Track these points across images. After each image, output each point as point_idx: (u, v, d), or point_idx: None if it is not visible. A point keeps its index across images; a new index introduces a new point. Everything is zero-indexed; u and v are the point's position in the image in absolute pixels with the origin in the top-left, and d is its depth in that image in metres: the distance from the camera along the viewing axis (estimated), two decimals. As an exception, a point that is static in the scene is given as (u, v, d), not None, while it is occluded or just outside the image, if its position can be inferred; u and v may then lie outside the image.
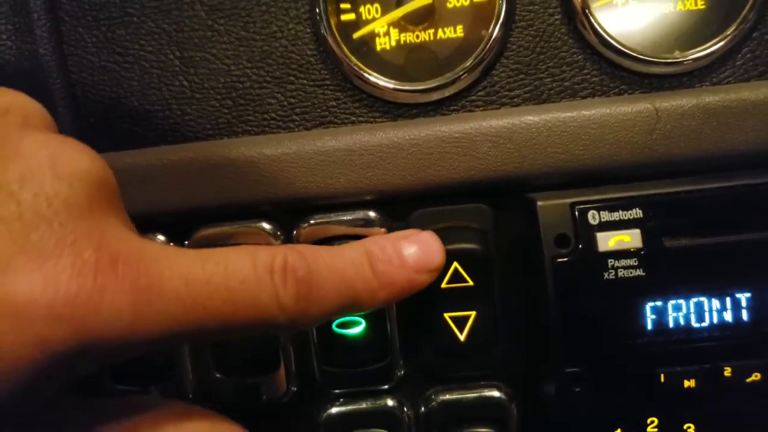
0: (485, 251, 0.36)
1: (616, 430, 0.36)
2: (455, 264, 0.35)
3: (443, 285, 0.35)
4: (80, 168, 0.25)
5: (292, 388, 0.39)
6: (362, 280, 0.30)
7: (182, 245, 0.38)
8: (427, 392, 0.39)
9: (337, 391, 0.39)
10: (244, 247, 0.28)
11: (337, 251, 0.30)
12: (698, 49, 0.36)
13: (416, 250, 0.32)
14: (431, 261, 0.33)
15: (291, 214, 0.37)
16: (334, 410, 0.38)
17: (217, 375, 0.38)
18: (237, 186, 0.36)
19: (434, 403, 0.38)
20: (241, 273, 0.26)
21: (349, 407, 0.38)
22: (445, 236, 0.34)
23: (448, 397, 0.38)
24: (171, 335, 0.25)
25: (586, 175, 0.35)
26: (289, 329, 0.29)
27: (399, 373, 0.38)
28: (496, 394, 0.38)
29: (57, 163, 0.24)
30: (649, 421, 0.36)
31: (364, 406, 0.38)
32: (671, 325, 0.33)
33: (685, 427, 0.36)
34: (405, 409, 0.38)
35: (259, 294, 0.26)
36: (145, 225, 0.37)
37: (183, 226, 0.38)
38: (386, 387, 0.38)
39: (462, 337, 0.35)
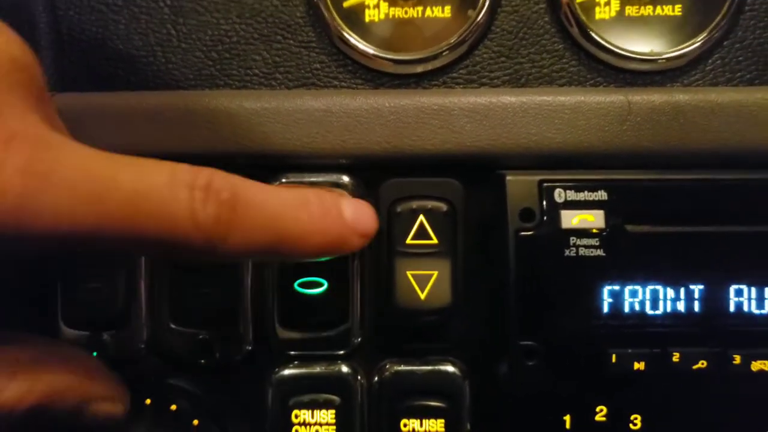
0: (451, 210, 0.36)
1: (565, 416, 0.37)
2: (421, 218, 0.36)
3: (408, 240, 0.36)
4: None
5: (247, 347, 0.38)
6: (294, 221, 0.29)
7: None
8: (381, 362, 0.38)
9: (291, 352, 0.38)
10: (166, 162, 0.26)
11: (272, 189, 0.29)
12: (672, 50, 0.37)
13: (354, 211, 0.31)
14: (366, 224, 0.32)
15: (264, 170, 0.38)
16: (286, 372, 0.38)
17: (172, 326, 0.38)
18: (214, 136, 0.36)
19: (388, 373, 0.38)
20: (152, 179, 0.25)
21: (302, 370, 0.38)
22: (413, 193, 0.34)
23: (402, 368, 0.38)
24: (63, 233, 0.23)
25: (556, 158, 0.36)
26: (206, 253, 0.26)
27: (356, 341, 0.38)
28: (450, 369, 0.38)
29: None
30: (598, 409, 0.36)
31: (317, 370, 0.38)
32: (626, 308, 0.34)
33: (632, 417, 0.37)
34: (359, 377, 0.38)
35: (171, 204, 0.25)
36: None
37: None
38: (342, 353, 0.38)
39: (422, 296, 0.36)
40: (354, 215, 0.31)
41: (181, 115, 0.36)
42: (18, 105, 0.24)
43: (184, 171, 0.26)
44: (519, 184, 0.34)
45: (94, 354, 0.38)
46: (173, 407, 0.38)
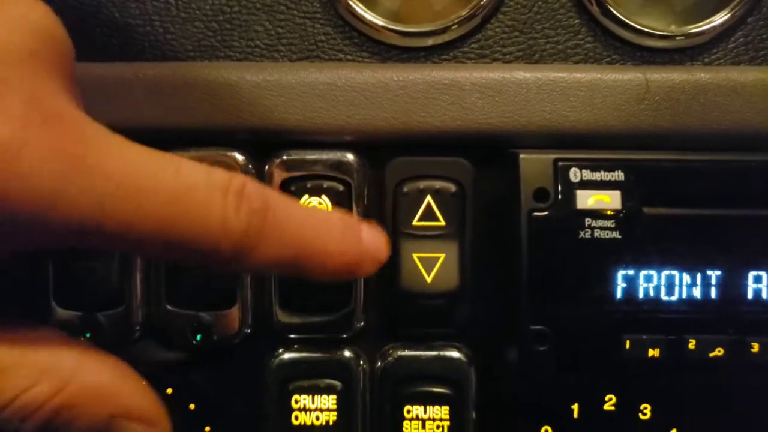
0: (460, 191, 0.35)
1: (573, 404, 0.36)
2: (428, 198, 0.34)
3: (414, 222, 0.34)
4: (28, 16, 0.22)
5: (245, 330, 0.37)
6: (318, 238, 0.27)
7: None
8: (385, 347, 0.37)
9: (292, 336, 0.37)
10: (200, 163, 0.25)
11: (297, 203, 0.29)
12: (693, 26, 0.36)
13: (371, 235, 0.30)
14: (381, 250, 0.30)
15: (266, 147, 0.36)
16: (286, 356, 0.37)
17: (169, 307, 0.37)
18: (213, 110, 0.35)
19: (391, 358, 0.37)
20: (191, 179, 0.24)
21: (303, 354, 0.37)
22: (421, 173, 0.33)
23: (406, 353, 0.37)
24: (95, 224, 0.22)
25: (570, 137, 0.34)
26: (228, 265, 0.25)
27: (359, 324, 0.37)
28: (455, 354, 0.37)
29: (2, 5, 0.22)
30: (607, 398, 0.35)
31: (318, 354, 0.37)
32: (641, 293, 0.32)
33: (642, 407, 0.35)
34: (361, 362, 0.37)
35: (206, 208, 0.24)
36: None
37: (151, 146, 0.36)
38: (344, 337, 0.37)
39: (429, 279, 0.34)
40: (371, 239, 0.30)
41: (180, 88, 0.35)
42: (54, 86, 0.23)
43: (219, 174, 0.25)
44: (533, 162, 0.33)
45: (88, 335, 0.37)
46: (169, 390, 0.37)
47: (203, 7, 0.37)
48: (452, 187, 0.36)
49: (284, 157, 0.36)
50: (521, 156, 0.33)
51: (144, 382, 0.27)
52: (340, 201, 0.36)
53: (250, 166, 0.36)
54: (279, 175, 0.36)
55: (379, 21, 0.36)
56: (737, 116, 0.34)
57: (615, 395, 0.35)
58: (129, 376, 0.26)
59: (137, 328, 0.37)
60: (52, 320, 0.37)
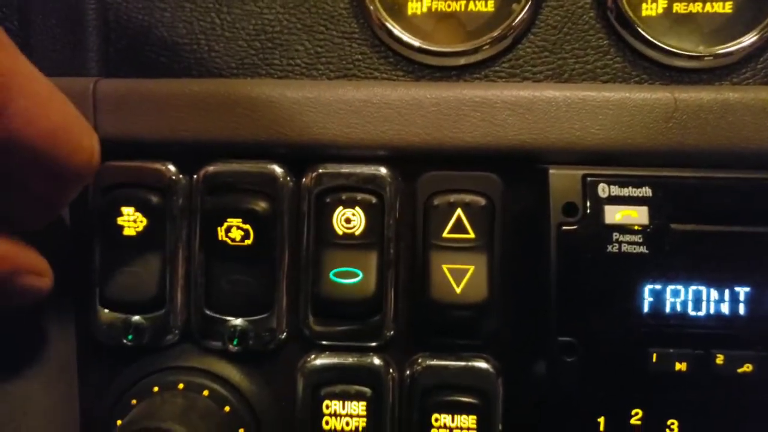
0: (490, 205, 0.36)
1: (600, 418, 0.36)
2: (459, 211, 0.35)
3: (444, 234, 0.35)
4: None
5: (280, 336, 0.38)
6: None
7: (191, 179, 0.38)
8: (414, 355, 0.38)
9: (324, 342, 0.38)
10: None
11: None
12: (722, 47, 0.36)
13: None
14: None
15: (303, 160, 0.38)
16: (317, 361, 0.38)
17: (207, 312, 0.38)
18: (254, 125, 0.37)
19: (420, 367, 0.38)
20: None
21: (334, 360, 0.38)
22: (452, 187, 0.34)
23: (435, 362, 0.38)
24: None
25: (599, 154, 0.35)
26: None
27: (389, 333, 0.38)
28: (483, 365, 0.37)
29: None
30: (633, 412, 0.36)
31: (349, 361, 0.38)
32: (668, 307, 0.33)
33: (669, 422, 0.36)
34: (391, 369, 0.38)
35: None
36: (158, 153, 0.38)
37: (195, 158, 0.38)
38: (374, 345, 0.38)
39: (458, 290, 0.35)
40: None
41: (223, 103, 0.37)
42: None
43: None
44: (562, 178, 0.34)
45: (130, 337, 0.38)
46: (205, 393, 0.38)
47: (247, 27, 0.39)
48: (482, 201, 0.37)
49: (320, 171, 0.37)
50: (551, 171, 0.34)
51: (33, 248, 0.32)
52: (373, 213, 0.37)
53: (288, 178, 0.38)
54: (315, 187, 0.37)
55: (414, 42, 0.37)
56: (766, 135, 0.35)
57: (642, 410, 0.35)
58: (21, 242, 0.31)
59: (176, 331, 0.39)
60: (97, 321, 0.39)
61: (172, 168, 0.38)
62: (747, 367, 0.32)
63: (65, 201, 0.31)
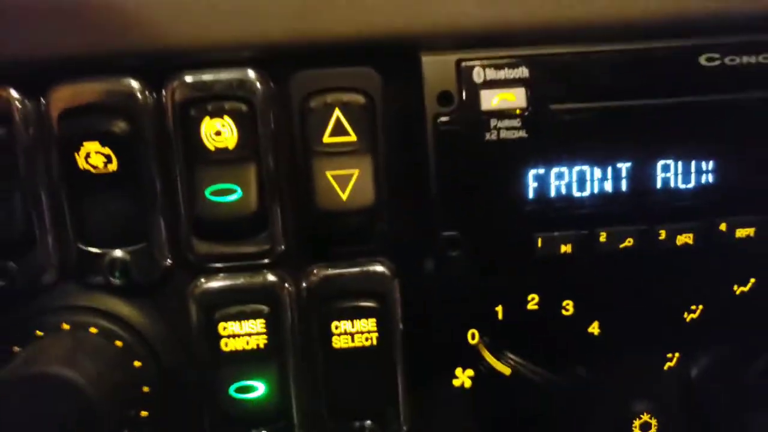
0: (369, 103, 0.34)
1: (497, 306, 0.36)
2: (337, 112, 0.33)
3: (324, 139, 0.33)
4: None
5: (164, 263, 0.36)
6: None
7: (38, 103, 0.34)
8: (309, 267, 0.37)
9: (212, 265, 0.36)
10: None
11: None
12: None
13: None
14: None
15: (161, 72, 0.34)
16: (208, 285, 0.36)
17: (81, 246, 0.36)
18: (96, 36, 0.32)
19: (316, 278, 0.36)
20: None
21: (226, 282, 0.36)
22: (327, 85, 0.32)
23: (330, 271, 0.37)
24: None
25: (475, 36, 0.33)
26: None
27: (280, 248, 0.36)
28: (379, 268, 0.37)
29: None
30: (529, 297, 0.36)
31: (241, 281, 0.36)
32: (553, 191, 0.32)
33: (564, 303, 0.36)
34: (286, 284, 0.37)
35: None
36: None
37: (39, 79, 0.34)
38: (267, 262, 0.37)
39: (344, 196, 0.34)
40: None
41: (61, 12, 0.32)
42: None
43: None
44: (436, 65, 0.31)
45: (1, 283, 0.36)
46: (93, 330, 0.36)
47: None
48: (361, 99, 0.34)
49: (180, 80, 0.34)
50: (423, 59, 0.32)
51: None
52: (245, 122, 0.34)
53: (146, 93, 0.34)
54: (177, 100, 0.34)
55: None
56: (642, 3, 0.33)
57: (537, 294, 0.36)
58: None
59: (53, 270, 0.36)
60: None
61: (14, 93, 0.34)
62: (628, 242, 0.32)
63: None
